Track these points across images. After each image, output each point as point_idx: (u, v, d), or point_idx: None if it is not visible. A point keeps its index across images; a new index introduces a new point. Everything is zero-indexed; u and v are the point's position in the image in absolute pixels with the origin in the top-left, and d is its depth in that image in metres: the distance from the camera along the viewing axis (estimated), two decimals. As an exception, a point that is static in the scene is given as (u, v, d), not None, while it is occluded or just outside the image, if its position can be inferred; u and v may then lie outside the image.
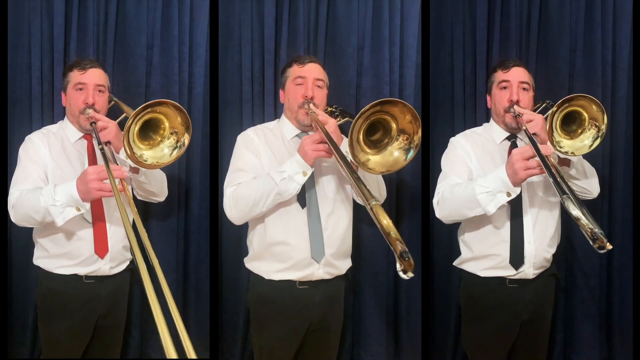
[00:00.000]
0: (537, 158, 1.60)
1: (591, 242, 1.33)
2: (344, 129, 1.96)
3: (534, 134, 1.71)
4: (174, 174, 2.25)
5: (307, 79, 1.86)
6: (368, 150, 1.62)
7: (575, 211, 1.36)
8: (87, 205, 1.71)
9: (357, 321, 2.38)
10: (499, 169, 1.72)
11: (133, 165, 1.74)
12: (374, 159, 1.62)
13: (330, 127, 1.69)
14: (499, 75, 1.93)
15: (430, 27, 2.27)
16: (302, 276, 1.82)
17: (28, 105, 2.22)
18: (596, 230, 1.32)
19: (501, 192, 1.70)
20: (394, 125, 1.60)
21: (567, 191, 1.42)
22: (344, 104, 2.26)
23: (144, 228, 1.33)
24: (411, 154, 1.60)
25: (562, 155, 1.73)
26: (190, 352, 0.88)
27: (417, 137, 1.59)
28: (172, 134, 1.68)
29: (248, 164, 1.84)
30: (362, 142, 1.59)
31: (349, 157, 1.58)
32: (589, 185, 1.90)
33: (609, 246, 1.32)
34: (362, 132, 1.58)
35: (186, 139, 1.68)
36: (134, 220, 1.45)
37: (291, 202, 1.79)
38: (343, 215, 1.88)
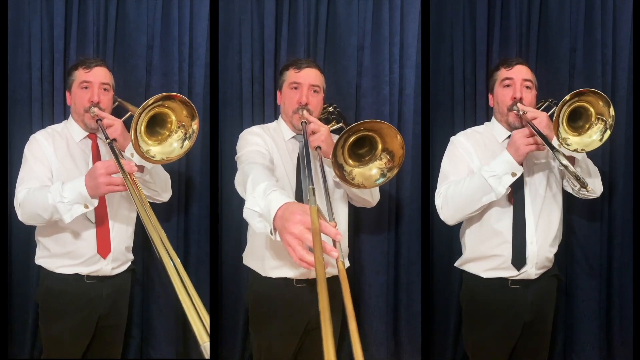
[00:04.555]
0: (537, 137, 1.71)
1: (576, 183, 1.68)
2: (339, 131, 1.97)
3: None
4: (174, 174, 2.25)
5: (302, 85, 1.86)
6: (352, 163, 1.65)
7: (564, 161, 1.59)
8: (95, 202, 1.68)
9: (357, 321, 2.38)
10: (502, 154, 1.77)
11: (139, 163, 1.74)
12: (357, 171, 1.65)
13: (322, 136, 1.71)
14: (502, 73, 1.92)
15: (430, 27, 2.27)
16: (299, 274, 1.82)
17: (28, 105, 2.23)
18: (579, 175, 1.62)
19: (507, 173, 1.75)
20: (380, 145, 1.63)
21: (558, 148, 1.66)
22: (344, 104, 2.26)
23: (157, 221, 1.28)
24: (382, 180, 1.64)
25: (568, 153, 1.73)
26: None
27: (396, 170, 1.63)
28: (179, 127, 1.67)
29: (259, 152, 1.79)
30: (346, 154, 1.63)
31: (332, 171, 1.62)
32: (593, 184, 1.89)
33: (589, 188, 1.71)
34: (348, 145, 1.61)
35: (194, 127, 1.66)
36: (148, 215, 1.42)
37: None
38: (341, 214, 1.88)
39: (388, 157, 1.63)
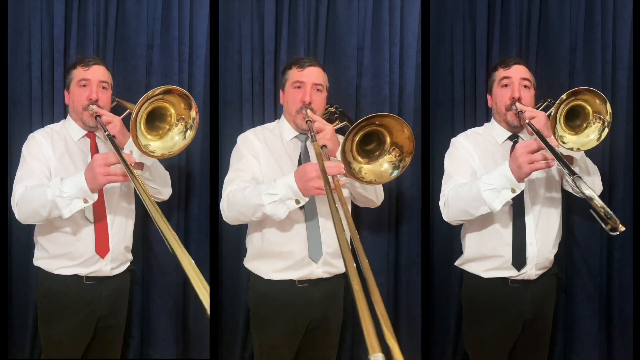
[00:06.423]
0: (542, 152, 1.60)
1: (603, 224, 1.29)
2: (343, 130, 1.97)
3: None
4: (174, 174, 2.25)
5: (305, 83, 1.85)
6: (360, 159, 1.64)
7: (588, 191, 1.34)
8: (95, 197, 1.67)
9: (357, 321, 2.37)
10: (502, 166, 1.71)
11: (138, 160, 1.74)
12: (366, 168, 1.64)
13: (327, 134, 1.70)
14: (500, 73, 1.92)
15: (430, 27, 2.27)
16: (301, 275, 1.82)
17: (28, 105, 2.22)
18: (609, 210, 1.29)
19: (505, 188, 1.68)
20: (388, 139, 1.63)
21: (577, 172, 1.43)
22: (344, 104, 2.26)
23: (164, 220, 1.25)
24: (397, 172, 1.63)
25: (565, 152, 1.71)
26: None
27: (409, 159, 1.62)
28: (179, 120, 1.67)
29: (247, 165, 1.84)
30: (354, 151, 1.61)
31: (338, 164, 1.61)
32: (592, 183, 1.89)
33: (622, 228, 1.27)
34: (356, 141, 1.60)
35: (194, 115, 1.66)
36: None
37: None
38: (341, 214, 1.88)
39: (398, 150, 1.62)
